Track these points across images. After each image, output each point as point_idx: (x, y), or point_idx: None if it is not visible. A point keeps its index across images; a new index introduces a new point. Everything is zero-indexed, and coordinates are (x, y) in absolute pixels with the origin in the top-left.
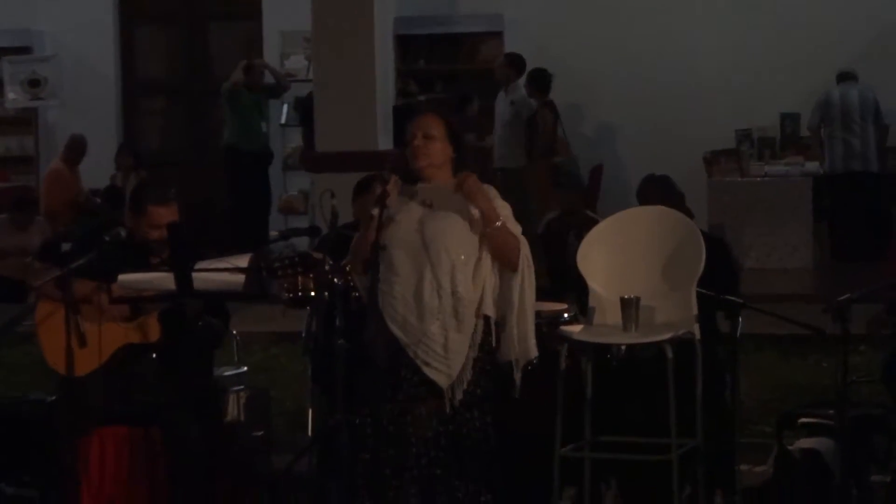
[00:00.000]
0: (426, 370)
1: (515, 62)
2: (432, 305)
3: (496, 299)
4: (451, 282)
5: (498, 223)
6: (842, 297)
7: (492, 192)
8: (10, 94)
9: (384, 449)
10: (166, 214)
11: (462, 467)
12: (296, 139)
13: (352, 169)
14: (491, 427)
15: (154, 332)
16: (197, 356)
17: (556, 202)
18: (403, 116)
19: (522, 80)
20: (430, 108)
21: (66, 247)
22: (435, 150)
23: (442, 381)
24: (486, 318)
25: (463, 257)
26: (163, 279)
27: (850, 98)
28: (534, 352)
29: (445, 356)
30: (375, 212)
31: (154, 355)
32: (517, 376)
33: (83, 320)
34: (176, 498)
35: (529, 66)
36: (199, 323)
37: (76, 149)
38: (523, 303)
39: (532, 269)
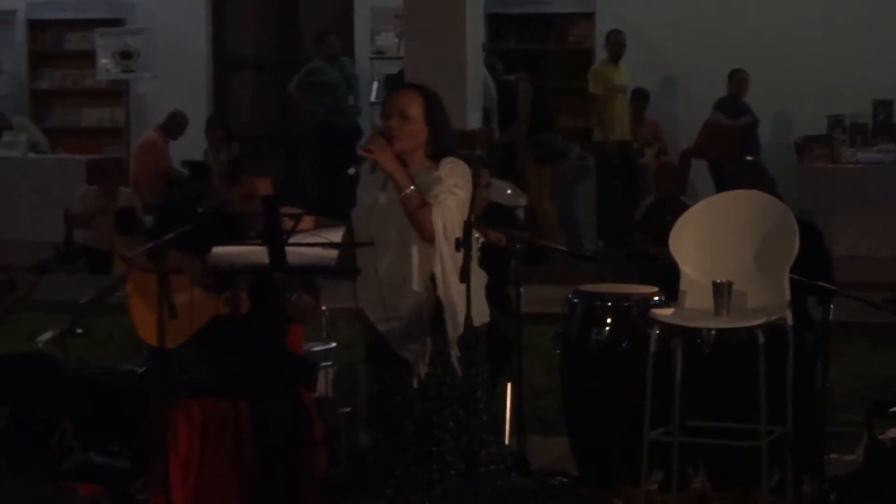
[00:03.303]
0: (397, 349)
1: None
2: (406, 292)
3: (423, 275)
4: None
5: (407, 190)
6: None
7: (454, 167)
8: (103, 66)
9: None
10: (261, 187)
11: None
12: None
13: None
14: (471, 407)
15: (244, 304)
16: (286, 330)
17: None
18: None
19: None
20: (410, 83)
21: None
22: (410, 131)
23: (410, 359)
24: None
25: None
26: (256, 253)
27: None
28: (460, 328)
29: (409, 335)
30: (352, 171)
31: (244, 328)
32: (453, 351)
33: (174, 292)
34: (263, 472)
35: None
36: (292, 298)
37: (177, 124)
38: (445, 276)
39: (451, 242)
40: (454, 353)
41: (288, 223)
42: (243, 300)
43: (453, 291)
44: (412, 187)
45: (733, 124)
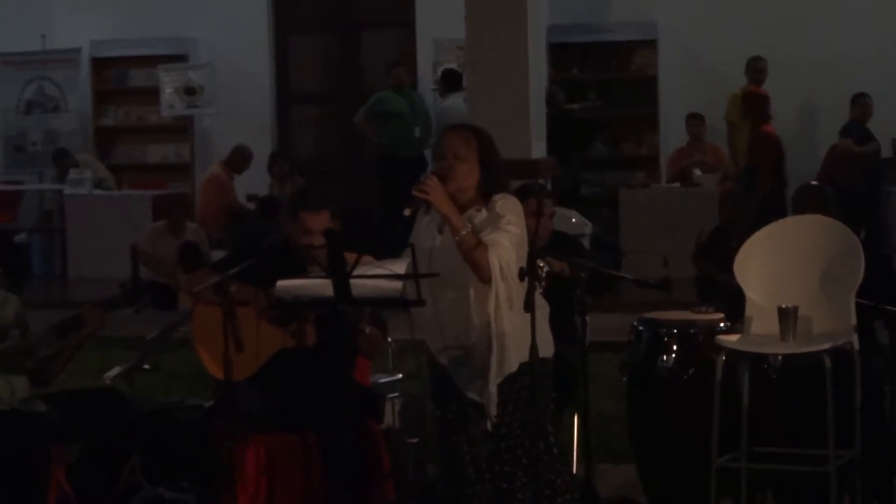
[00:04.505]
0: (465, 390)
1: (446, 78)
2: (467, 331)
3: (482, 314)
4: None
5: (463, 232)
6: None
7: (505, 203)
8: (167, 102)
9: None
10: (317, 221)
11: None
12: None
13: None
14: (542, 441)
15: (310, 337)
16: (354, 362)
17: None
18: (554, 125)
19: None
20: (462, 124)
21: (220, 254)
22: (462, 172)
23: (478, 398)
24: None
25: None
26: (321, 285)
27: None
28: (509, 368)
29: (478, 377)
30: (407, 212)
31: (311, 360)
32: (493, 390)
33: (240, 325)
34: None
35: (685, 74)
36: (366, 330)
37: (241, 159)
38: (499, 315)
39: (508, 282)
40: (493, 393)
41: (350, 258)
42: (310, 332)
43: (507, 331)
44: (468, 229)
45: (861, 151)
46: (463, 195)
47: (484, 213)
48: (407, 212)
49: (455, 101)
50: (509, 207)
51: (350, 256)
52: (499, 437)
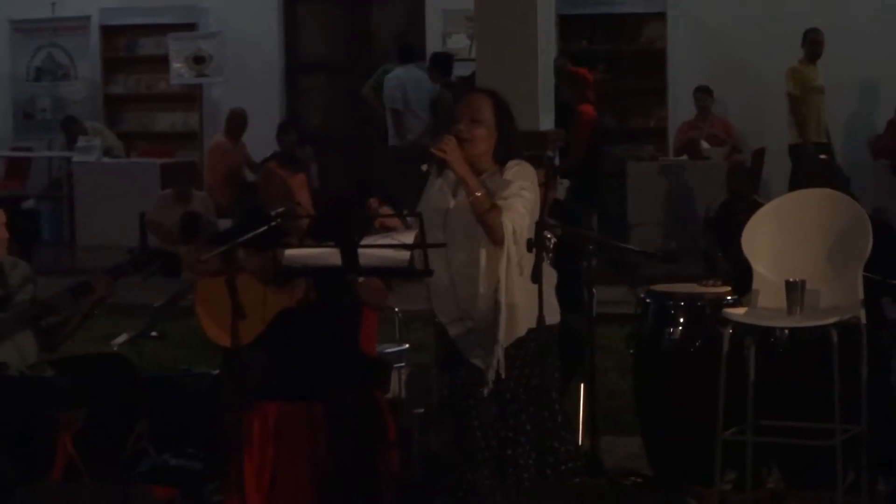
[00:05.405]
0: (468, 355)
1: (400, 48)
2: (475, 296)
3: (490, 278)
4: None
5: (478, 193)
6: None
7: (520, 170)
8: (176, 71)
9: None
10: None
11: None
12: None
13: None
14: (546, 408)
15: (312, 295)
16: (359, 320)
17: None
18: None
19: None
20: (481, 88)
21: (226, 223)
22: (480, 135)
23: (481, 365)
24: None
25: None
26: (328, 254)
27: None
28: (518, 332)
29: (482, 343)
30: (424, 167)
31: (314, 319)
32: (500, 355)
33: (244, 292)
34: (339, 474)
35: (693, 47)
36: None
37: (235, 122)
38: (510, 279)
39: (520, 246)
40: (500, 357)
41: (388, 221)
42: (311, 292)
43: (516, 295)
44: (482, 191)
45: None
46: (479, 160)
47: (498, 179)
48: (424, 167)
49: (397, 73)
50: (524, 174)
51: (387, 221)
52: (504, 401)
